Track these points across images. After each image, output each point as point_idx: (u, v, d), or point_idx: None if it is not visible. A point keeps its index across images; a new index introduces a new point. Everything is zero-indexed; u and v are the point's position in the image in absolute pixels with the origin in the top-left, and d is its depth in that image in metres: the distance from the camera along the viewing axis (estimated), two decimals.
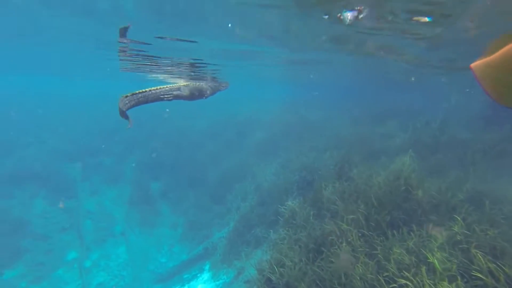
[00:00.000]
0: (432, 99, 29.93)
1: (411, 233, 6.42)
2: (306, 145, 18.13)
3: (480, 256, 5.00)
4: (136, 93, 5.68)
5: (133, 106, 5.68)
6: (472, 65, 2.09)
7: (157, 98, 6.04)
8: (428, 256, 5.53)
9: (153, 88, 5.96)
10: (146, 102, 5.88)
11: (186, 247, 17.90)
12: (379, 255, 6.01)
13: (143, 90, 5.80)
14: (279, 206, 10.82)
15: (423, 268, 5.32)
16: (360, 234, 6.66)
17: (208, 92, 7.31)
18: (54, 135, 25.89)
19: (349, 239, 6.64)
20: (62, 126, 27.84)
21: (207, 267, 15.52)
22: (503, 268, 4.87)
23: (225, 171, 21.33)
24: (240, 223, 14.83)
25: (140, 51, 9.67)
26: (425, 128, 14.46)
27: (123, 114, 5.54)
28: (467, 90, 16.96)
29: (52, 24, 8.04)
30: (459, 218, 6.14)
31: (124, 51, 10.23)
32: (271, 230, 10.58)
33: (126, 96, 5.56)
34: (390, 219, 7.06)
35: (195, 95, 6.94)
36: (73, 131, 27.40)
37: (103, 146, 24.94)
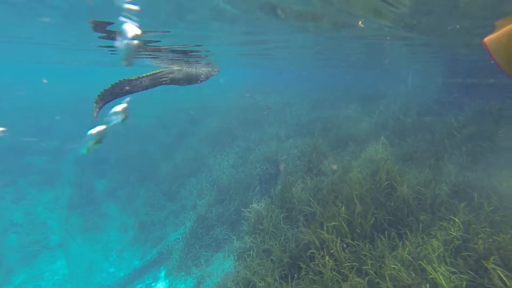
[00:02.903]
0: (389, 81, 30.22)
1: (403, 239, 5.43)
2: (266, 132, 16.93)
3: (500, 273, 4.09)
4: (131, 80, 5.46)
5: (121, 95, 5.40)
6: (486, 39, 2.00)
7: (150, 84, 5.85)
8: (430, 271, 4.54)
9: (146, 74, 5.74)
10: (140, 90, 5.68)
11: (138, 251, 16.11)
12: (371, 271, 4.93)
13: (138, 76, 5.58)
14: (242, 208, 9.46)
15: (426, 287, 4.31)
16: (344, 244, 5.52)
17: (202, 76, 7.13)
18: None
19: (331, 251, 5.47)
20: None
21: (162, 274, 13.94)
22: None
23: (178, 164, 19.70)
24: (197, 223, 13.40)
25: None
26: (389, 111, 13.92)
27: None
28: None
29: None
30: (456, 219, 5.24)
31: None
32: (234, 237, 9.20)
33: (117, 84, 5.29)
34: (374, 222, 6.02)
35: (189, 80, 6.81)
36: None
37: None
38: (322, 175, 8.60)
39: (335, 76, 32.11)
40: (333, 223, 5.77)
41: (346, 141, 11.29)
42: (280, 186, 9.01)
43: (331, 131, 12.34)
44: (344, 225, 5.75)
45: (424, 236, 5.36)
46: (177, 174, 18.88)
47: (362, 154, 9.14)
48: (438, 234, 5.26)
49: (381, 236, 5.69)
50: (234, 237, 9.28)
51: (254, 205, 8.16)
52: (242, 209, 8.70)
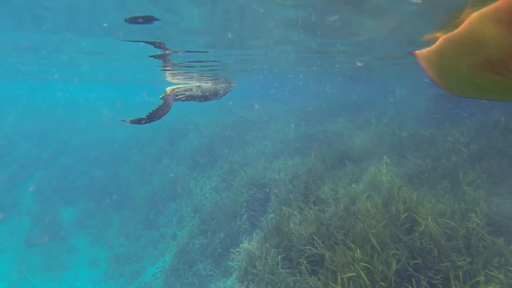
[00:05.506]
0: (375, 92, 29.68)
1: None
2: (251, 151, 15.61)
3: None
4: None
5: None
6: (418, 52, 1.81)
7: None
8: None
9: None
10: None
11: None
12: None
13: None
14: (230, 243, 8.11)
15: None
16: None
17: (221, 92, 7.22)
18: None
19: None
20: None
21: None
22: None
23: (156, 188, 18.08)
24: (178, 258, 11.84)
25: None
26: (381, 125, 12.96)
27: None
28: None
29: None
30: None
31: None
32: (222, 278, 7.72)
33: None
34: (397, 266, 4.78)
35: (208, 96, 6.87)
36: None
37: None
38: (321, 203, 7.36)
39: (319, 89, 31.44)
40: (349, 275, 4.48)
41: (341, 160, 10.16)
42: (273, 216, 7.70)
43: (323, 148, 11.22)
44: (363, 275, 4.49)
45: None
46: (155, 199, 17.28)
47: (363, 176, 8.00)
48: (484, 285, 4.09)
49: (409, 287, 4.45)
50: (222, 280, 7.77)
51: (245, 244, 6.76)
52: (231, 249, 7.27)
